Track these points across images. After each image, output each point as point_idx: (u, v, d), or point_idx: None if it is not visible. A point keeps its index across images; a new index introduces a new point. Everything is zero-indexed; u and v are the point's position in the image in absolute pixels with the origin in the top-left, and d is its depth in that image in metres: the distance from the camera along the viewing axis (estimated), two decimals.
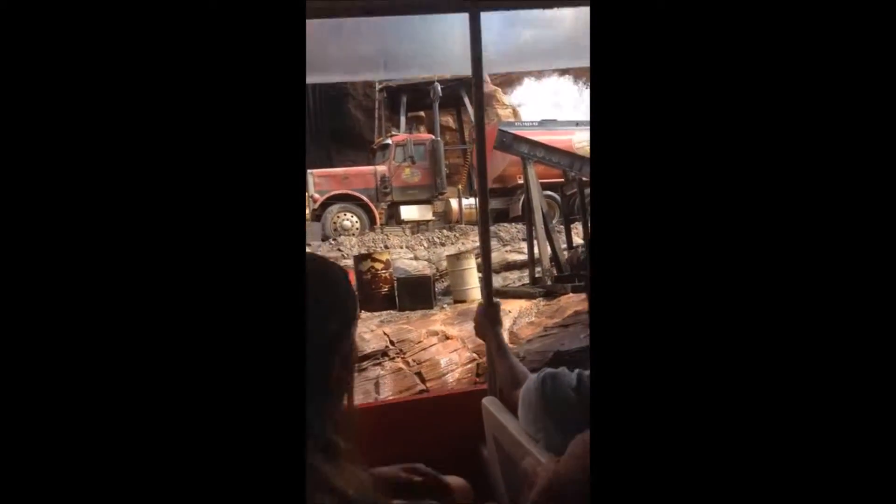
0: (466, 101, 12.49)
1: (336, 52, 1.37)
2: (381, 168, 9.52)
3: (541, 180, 6.30)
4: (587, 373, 0.78)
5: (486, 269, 1.28)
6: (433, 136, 9.98)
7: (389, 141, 9.92)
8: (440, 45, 1.38)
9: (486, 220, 1.30)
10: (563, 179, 6.98)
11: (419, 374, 4.48)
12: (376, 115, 13.02)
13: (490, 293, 1.24)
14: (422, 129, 11.88)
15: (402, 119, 11.66)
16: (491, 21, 1.18)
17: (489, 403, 1.02)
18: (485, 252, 1.28)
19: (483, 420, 1.05)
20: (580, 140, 9.10)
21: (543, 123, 10.44)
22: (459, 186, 9.80)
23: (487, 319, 1.16)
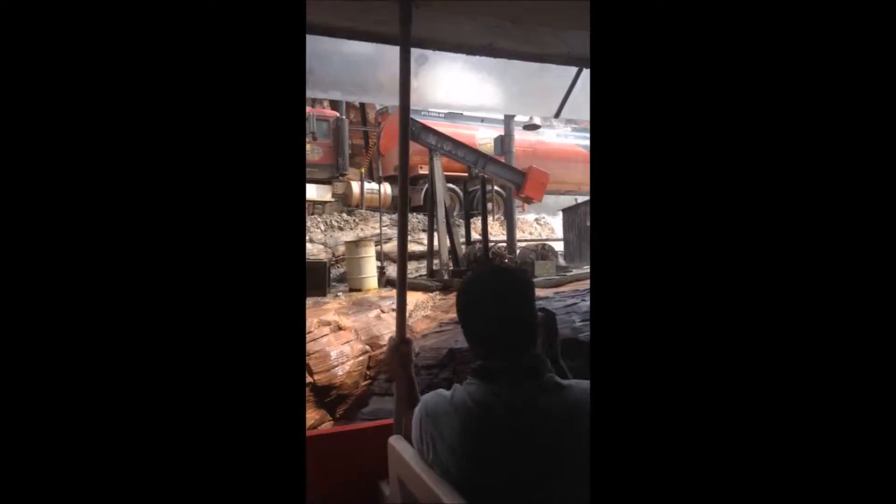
0: None
1: None
2: None
3: (444, 173, 6.33)
4: (461, 386, 0.85)
5: (401, 295, 1.20)
6: (338, 114, 9.53)
7: None
8: (363, 71, 1.39)
9: (404, 242, 1.22)
10: (466, 174, 7.09)
11: (307, 365, 4.28)
12: None
13: (403, 327, 1.17)
14: (324, 103, 11.30)
15: None
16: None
17: (395, 442, 0.98)
18: (401, 273, 1.21)
19: (388, 458, 1.00)
20: (483, 137, 9.30)
21: (449, 116, 10.51)
22: (362, 170, 9.51)
23: (400, 359, 1.10)
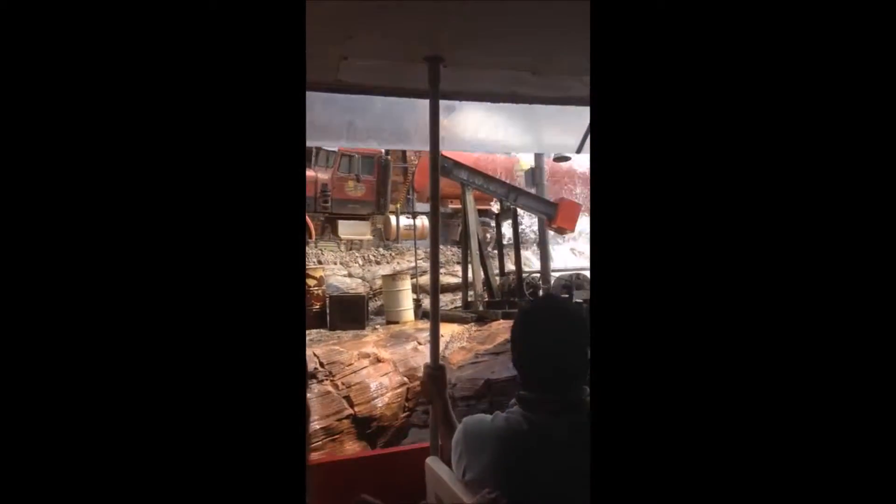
0: None
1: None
2: (323, 176, 8.93)
3: (477, 207, 6.47)
4: (502, 413, 0.89)
5: (434, 322, 1.29)
6: (381, 151, 9.90)
7: (335, 148, 9.64)
8: (396, 122, 1.56)
9: (436, 273, 1.33)
10: (498, 210, 7.20)
11: (347, 397, 4.38)
12: None
13: (436, 354, 1.27)
14: None
15: None
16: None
17: (432, 462, 1.06)
18: (434, 303, 1.31)
19: (426, 479, 1.07)
20: (518, 169, 9.45)
21: None
22: (399, 204, 9.80)
23: (434, 383, 1.18)
